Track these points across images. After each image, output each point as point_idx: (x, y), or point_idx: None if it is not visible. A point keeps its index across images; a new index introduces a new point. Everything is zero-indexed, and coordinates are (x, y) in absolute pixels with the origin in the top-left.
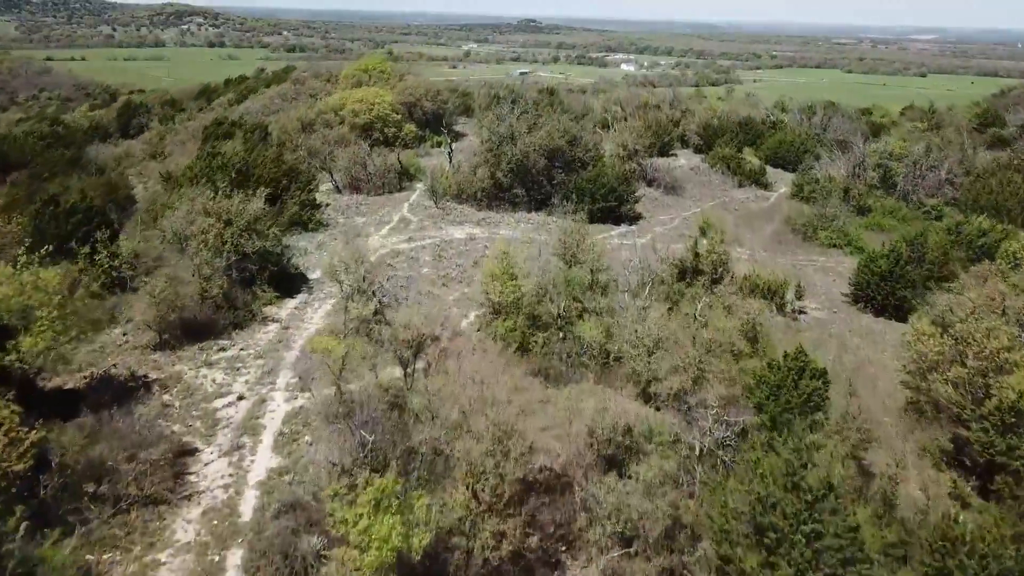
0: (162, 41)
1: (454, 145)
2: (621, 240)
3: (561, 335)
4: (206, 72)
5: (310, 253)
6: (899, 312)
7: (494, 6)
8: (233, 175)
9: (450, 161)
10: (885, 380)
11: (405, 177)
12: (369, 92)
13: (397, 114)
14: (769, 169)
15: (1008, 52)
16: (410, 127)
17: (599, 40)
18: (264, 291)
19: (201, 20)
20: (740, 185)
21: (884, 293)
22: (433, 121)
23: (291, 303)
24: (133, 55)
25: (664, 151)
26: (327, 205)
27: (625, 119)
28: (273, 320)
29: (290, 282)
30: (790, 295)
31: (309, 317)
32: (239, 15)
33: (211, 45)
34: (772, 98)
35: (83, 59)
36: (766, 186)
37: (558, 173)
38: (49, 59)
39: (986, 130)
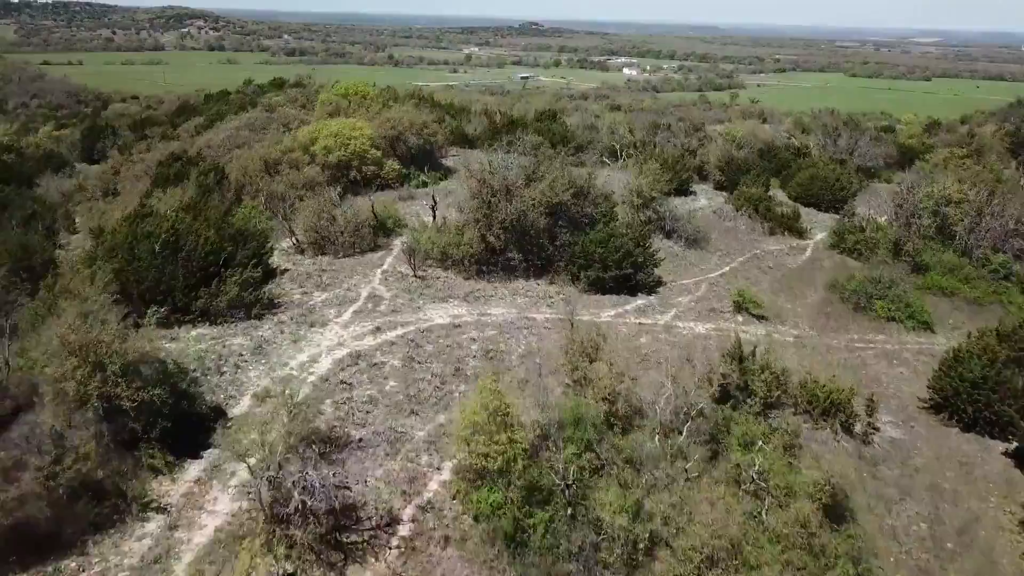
0: (161, 45)
1: (444, 184)
2: (639, 319)
3: (570, 512)
4: (203, 77)
5: (242, 365)
6: (997, 427)
7: (495, 9)
8: (157, 248)
9: (433, 216)
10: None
11: (382, 231)
12: (345, 124)
13: (377, 149)
14: (798, 206)
15: (1013, 55)
16: (392, 164)
17: (601, 43)
18: (152, 455)
19: (201, 23)
20: (771, 232)
21: (977, 404)
22: (420, 156)
23: (191, 470)
24: (131, 59)
25: (682, 189)
26: (283, 272)
27: (635, 146)
28: (158, 509)
29: (196, 429)
30: (859, 409)
31: (213, 499)
32: (240, 18)
33: (211, 49)
34: (778, 104)
35: (80, 63)
36: (801, 233)
37: (562, 232)
38: (46, 63)
39: (1021, 153)
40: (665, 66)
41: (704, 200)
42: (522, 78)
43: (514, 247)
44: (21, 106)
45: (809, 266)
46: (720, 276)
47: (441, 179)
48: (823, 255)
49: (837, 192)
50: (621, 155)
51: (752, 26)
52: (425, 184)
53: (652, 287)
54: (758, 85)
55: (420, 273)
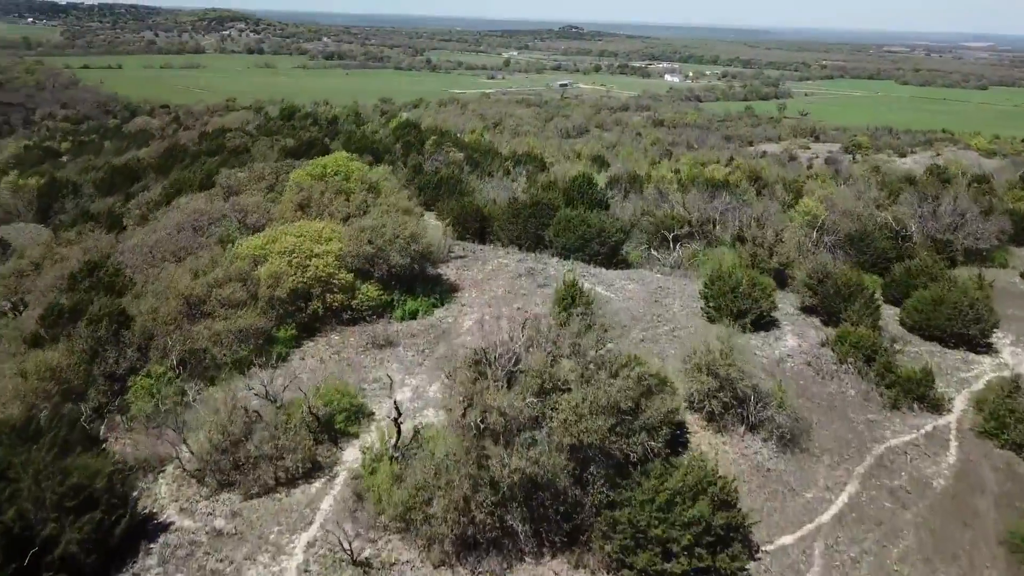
0: (202, 48)
1: (439, 313)
2: None
3: None
4: (236, 84)
5: None
6: None
7: (536, 11)
8: None
9: (397, 432)
10: None
11: (326, 434)
12: (307, 233)
13: (349, 271)
14: (915, 338)
15: None
16: (369, 289)
17: (642, 47)
18: None
19: (242, 26)
20: (894, 404)
21: None
22: (408, 276)
23: None
24: (169, 63)
25: (761, 322)
26: (154, 525)
27: (690, 224)
28: None
29: None
30: None
31: None
32: (280, 20)
33: (250, 52)
34: (829, 116)
35: (119, 67)
36: (936, 405)
37: (595, 481)
38: (86, 67)
39: None
40: (708, 72)
41: (792, 338)
42: (561, 85)
43: (517, 510)
44: (48, 116)
45: (962, 486)
46: (837, 520)
47: (436, 304)
48: (975, 452)
49: (972, 323)
50: (674, 246)
51: (796, 30)
52: (414, 315)
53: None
54: (805, 94)
55: (363, 557)
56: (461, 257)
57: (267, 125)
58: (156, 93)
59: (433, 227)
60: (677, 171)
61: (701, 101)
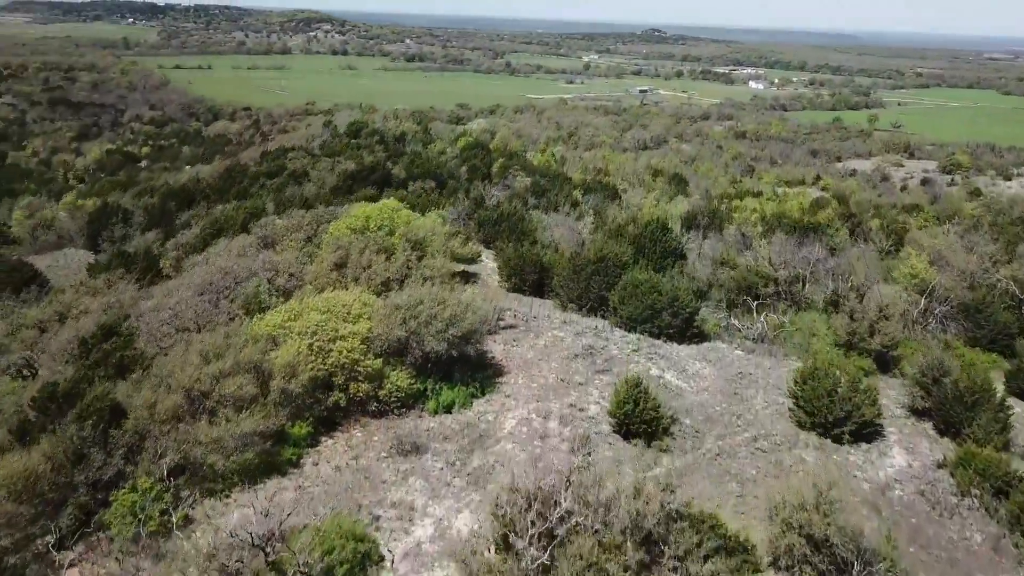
0: (289, 48)
1: (479, 406)
2: None
3: None
4: (318, 86)
5: None
6: None
7: (619, 13)
8: None
9: None
10: None
11: None
12: (336, 308)
13: (376, 356)
14: None
15: None
16: (398, 378)
17: (726, 52)
18: None
19: (328, 27)
20: None
21: None
22: (445, 360)
23: None
24: (256, 64)
25: (864, 428)
26: None
27: (775, 284)
28: None
29: None
30: None
31: None
32: (365, 22)
33: (334, 53)
34: (924, 129)
35: (209, 67)
36: None
37: None
38: (178, 67)
39: None
40: (795, 78)
41: (900, 454)
42: (640, 91)
43: None
44: (135, 118)
45: None
46: None
47: (476, 394)
48: None
49: None
50: (757, 314)
51: (891, 35)
52: (449, 408)
53: None
54: (899, 104)
55: None
56: (511, 327)
57: (331, 144)
58: (241, 95)
59: (487, 274)
60: (758, 209)
61: (786, 110)
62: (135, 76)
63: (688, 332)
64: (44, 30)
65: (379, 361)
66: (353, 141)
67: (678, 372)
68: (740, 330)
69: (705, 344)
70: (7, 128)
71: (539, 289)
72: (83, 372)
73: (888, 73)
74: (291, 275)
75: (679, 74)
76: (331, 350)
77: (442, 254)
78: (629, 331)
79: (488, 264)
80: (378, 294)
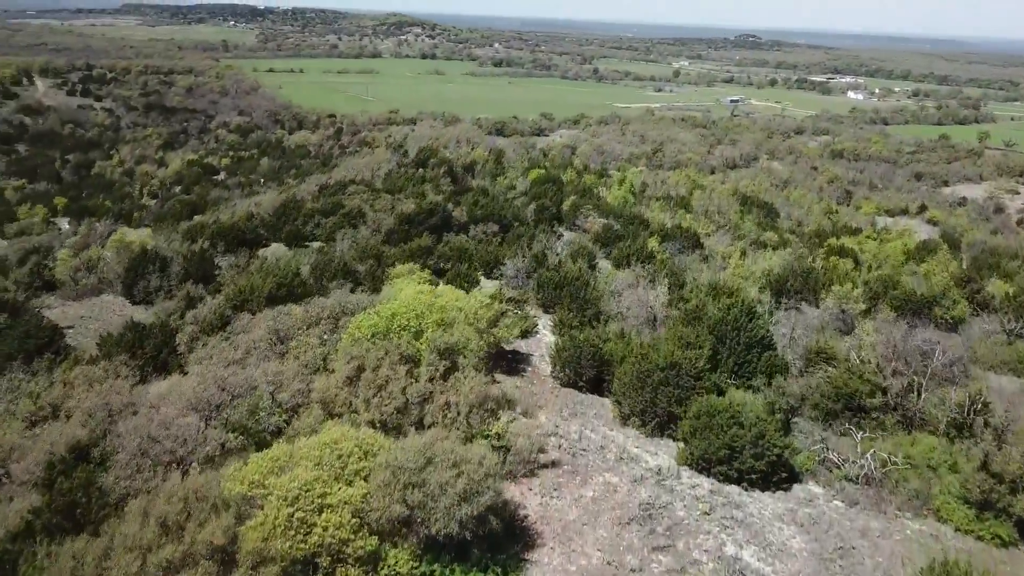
0: (379, 52)
1: None
2: None
3: None
4: (405, 92)
5: None
6: None
7: (714, 17)
8: None
9: None
10: None
11: None
12: (332, 460)
13: (371, 532)
14: None
15: None
16: (399, 559)
17: (824, 59)
18: None
19: (419, 31)
20: None
21: None
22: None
23: None
24: (347, 67)
25: None
26: None
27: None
28: None
29: None
30: None
31: None
32: (455, 26)
33: (423, 56)
34: None
35: (301, 71)
36: None
37: None
38: (271, 70)
39: None
40: (897, 88)
41: None
42: (731, 101)
43: None
44: (222, 125)
45: None
46: None
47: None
48: None
49: None
50: (864, 448)
51: (1002, 41)
52: None
53: None
54: (1012, 119)
55: None
56: (553, 465)
57: (396, 174)
58: (327, 101)
59: (541, 354)
60: (863, 248)
61: (888, 124)
62: (228, 80)
63: (774, 476)
64: (152, 32)
65: (374, 539)
66: (419, 172)
67: (760, 546)
68: (839, 466)
69: (796, 491)
70: (102, 134)
71: (597, 386)
72: (25, 524)
73: (1000, 84)
74: (296, 391)
75: (773, 82)
76: (315, 524)
77: (476, 358)
78: (700, 472)
79: (545, 338)
80: (390, 428)
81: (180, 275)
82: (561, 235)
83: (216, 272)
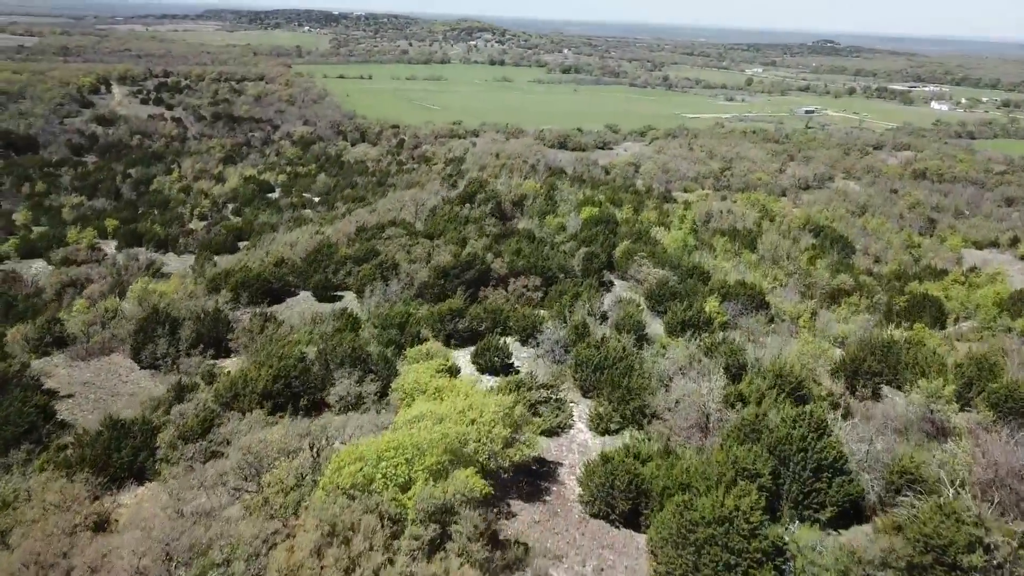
0: (448, 58)
1: None
2: None
3: None
4: (471, 99)
5: None
6: None
7: (789, 22)
8: None
9: None
10: None
11: None
12: None
13: None
14: None
15: None
16: None
17: (905, 66)
18: None
19: (489, 36)
20: None
21: None
22: None
23: None
24: (415, 74)
25: None
26: None
27: None
28: None
29: None
30: None
31: None
32: (525, 31)
33: (492, 63)
34: None
35: (370, 77)
36: None
37: None
38: (342, 76)
39: None
40: (985, 99)
41: None
42: (806, 112)
43: None
44: (286, 136)
45: None
46: None
47: None
48: None
49: None
50: None
51: None
52: None
53: None
54: None
55: None
56: None
57: (440, 214)
58: (392, 110)
59: (571, 464)
60: (951, 295)
61: (974, 138)
62: (296, 88)
63: None
64: (230, 37)
65: None
66: (463, 211)
67: None
68: None
69: None
70: (167, 146)
71: (633, 520)
72: None
73: None
74: (252, 559)
75: (851, 91)
76: None
77: (473, 528)
78: None
79: (580, 433)
80: None
81: (191, 339)
82: (612, 285)
83: (229, 337)
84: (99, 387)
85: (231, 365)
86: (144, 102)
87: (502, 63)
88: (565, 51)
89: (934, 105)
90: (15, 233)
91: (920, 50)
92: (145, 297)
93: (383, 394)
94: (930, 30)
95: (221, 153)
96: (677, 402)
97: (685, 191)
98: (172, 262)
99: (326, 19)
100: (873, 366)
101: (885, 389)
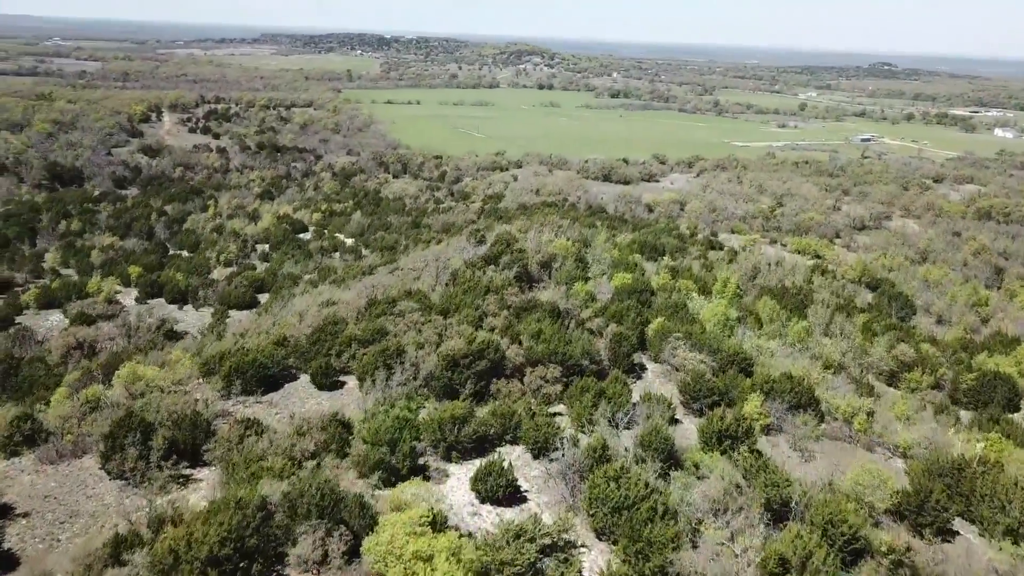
0: (497, 81)
1: None
2: None
3: None
4: (517, 126)
5: None
6: None
7: (844, 43)
8: None
9: None
10: None
11: None
12: None
13: None
14: None
15: None
16: None
17: (967, 90)
18: None
19: (538, 60)
20: None
21: None
22: None
23: None
24: (463, 99)
25: None
26: None
27: None
28: None
29: None
30: None
31: None
32: (574, 53)
33: (540, 87)
34: None
35: (418, 103)
36: None
37: None
38: (390, 102)
39: None
40: None
41: None
42: (862, 140)
43: None
44: (327, 168)
45: None
46: None
47: None
48: None
49: None
50: None
51: None
52: None
53: None
54: None
55: None
56: None
57: (458, 282)
58: (437, 137)
59: None
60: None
61: None
62: (343, 115)
63: None
64: (284, 61)
65: None
66: (485, 277)
67: None
68: None
69: None
70: (209, 178)
71: None
72: None
73: None
74: None
75: (909, 117)
76: None
77: None
78: None
79: None
80: None
81: (163, 449)
82: (643, 370)
83: (206, 449)
84: (60, 502)
85: (205, 480)
86: (192, 131)
87: (550, 87)
88: (614, 74)
89: (997, 132)
90: (42, 276)
91: (982, 72)
92: (131, 383)
93: (354, 553)
94: (994, 51)
95: (260, 187)
96: (710, 561)
97: (733, 232)
98: (188, 317)
99: (378, 43)
100: (942, 500)
101: (957, 522)
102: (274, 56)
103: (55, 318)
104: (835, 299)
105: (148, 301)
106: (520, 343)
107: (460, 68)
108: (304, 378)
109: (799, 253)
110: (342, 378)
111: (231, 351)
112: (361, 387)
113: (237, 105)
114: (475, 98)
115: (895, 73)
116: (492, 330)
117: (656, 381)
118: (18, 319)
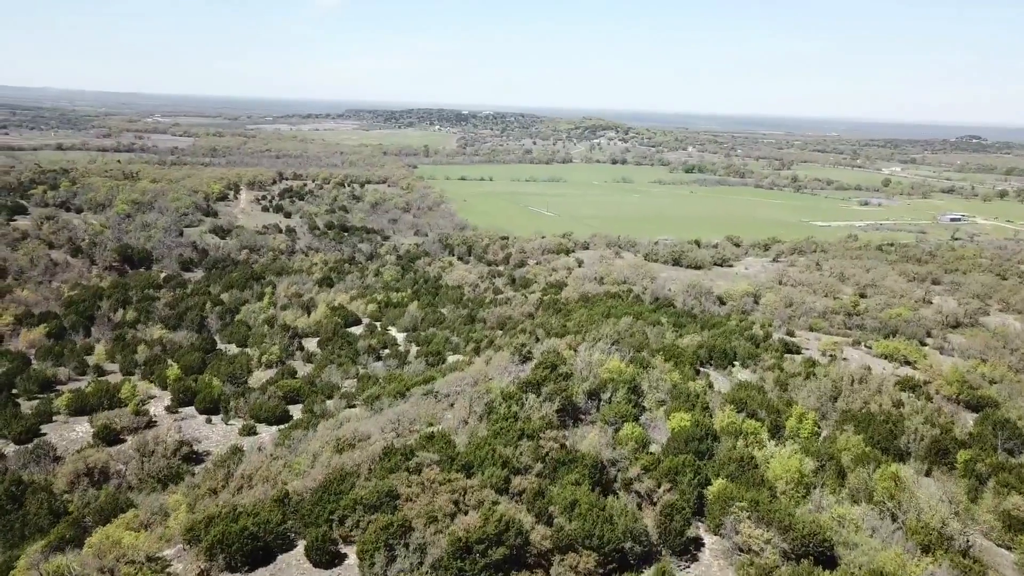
0: (571, 156)
1: None
2: None
3: None
4: (587, 204)
5: None
6: None
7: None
8: None
9: None
10: None
11: None
12: None
13: None
14: None
15: None
16: None
17: None
18: None
19: (612, 134)
20: None
21: None
22: None
23: None
24: (535, 175)
25: None
26: None
27: None
28: None
29: None
30: None
31: None
32: (649, 127)
33: (614, 161)
34: None
35: (491, 179)
36: None
37: None
38: (463, 178)
39: None
40: None
41: None
42: (951, 220)
43: None
44: (392, 250)
45: None
46: None
47: None
48: None
49: None
50: None
51: None
52: None
53: None
54: None
55: None
56: None
57: (491, 420)
58: (505, 216)
59: None
60: None
61: None
62: (414, 194)
63: None
64: (365, 136)
65: None
66: (524, 410)
67: None
68: None
69: None
70: (272, 261)
71: None
72: None
73: None
74: None
75: (1002, 194)
76: None
77: None
78: None
79: None
80: None
81: None
82: (700, 547)
83: None
84: None
85: None
86: (265, 209)
87: (624, 162)
88: (689, 149)
89: None
90: (86, 373)
91: None
92: (105, 551)
93: None
94: None
95: (321, 272)
96: None
97: (811, 330)
98: (214, 434)
99: (456, 118)
100: None
101: None
102: (356, 131)
103: (81, 428)
104: (930, 429)
105: (180, 410)
106: (549, 521)
107: (535, 143)
108: (300, 548)
109: (886, 358)
110: (344, 549)
111: (220, 515)
112: (361, 568)
113: (313, 182)
114: (548, 174)
115: (985, 146)
116: (520, 494)
117: (715, 564)
118: (45, 428)
